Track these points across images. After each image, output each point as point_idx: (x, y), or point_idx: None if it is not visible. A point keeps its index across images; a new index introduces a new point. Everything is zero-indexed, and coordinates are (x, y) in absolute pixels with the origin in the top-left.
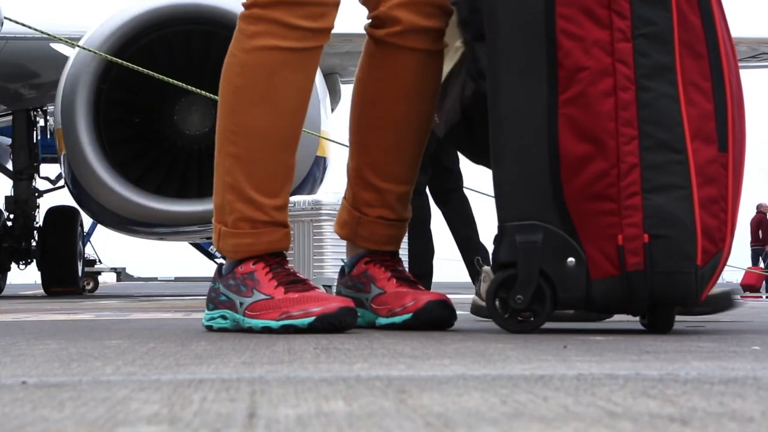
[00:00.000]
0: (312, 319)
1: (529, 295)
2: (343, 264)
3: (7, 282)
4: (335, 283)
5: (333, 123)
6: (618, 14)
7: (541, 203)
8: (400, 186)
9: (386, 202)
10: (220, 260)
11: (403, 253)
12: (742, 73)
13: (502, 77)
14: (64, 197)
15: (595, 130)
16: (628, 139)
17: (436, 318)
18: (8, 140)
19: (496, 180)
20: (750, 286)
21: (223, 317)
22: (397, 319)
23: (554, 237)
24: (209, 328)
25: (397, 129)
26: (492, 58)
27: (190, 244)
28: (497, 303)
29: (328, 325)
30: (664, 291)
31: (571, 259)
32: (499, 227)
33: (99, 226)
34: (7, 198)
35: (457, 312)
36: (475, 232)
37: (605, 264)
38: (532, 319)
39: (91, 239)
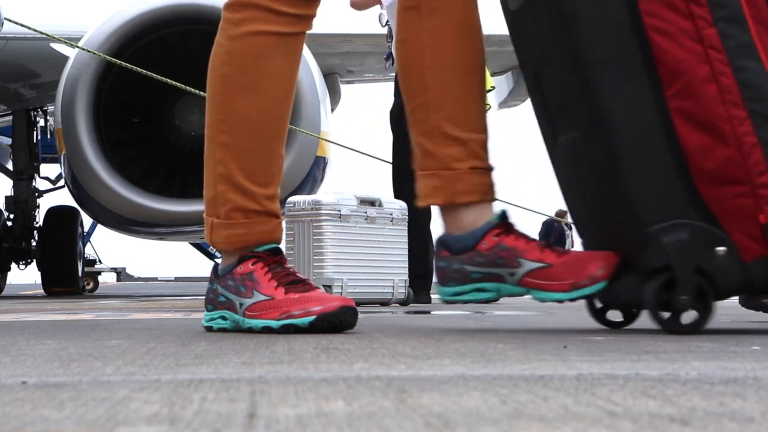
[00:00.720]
0: (312, 318)
1: (692, 294)
2: (445, 239)
3: (7, 282)
4: (335, 282)
5: (333, 123)
6: (695, 3)
7: (676, 201)
8: (481, 134)
9: (473, 152)
10: (220, 260)
11: (404, 253)
12: None
13: (600, 89)
14: (64, 197)
15: (709, 118)
16: (741, 121)
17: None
18: (8, 140)
19: (621, 189)
20: None
21: (223, 318)
22: (588, 290)
23: (700, 231)
24: (209, 329)
25: (464, 71)
26: (581, 69)
27: (190, 244)
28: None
29: (329, 324)
30: None
31: (721, 249)
32: (640, 234)
33: (99, 226)
34: (7, 198)
35: (456, 312)
36: None
37: (753, 245)
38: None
39: (91, 239)
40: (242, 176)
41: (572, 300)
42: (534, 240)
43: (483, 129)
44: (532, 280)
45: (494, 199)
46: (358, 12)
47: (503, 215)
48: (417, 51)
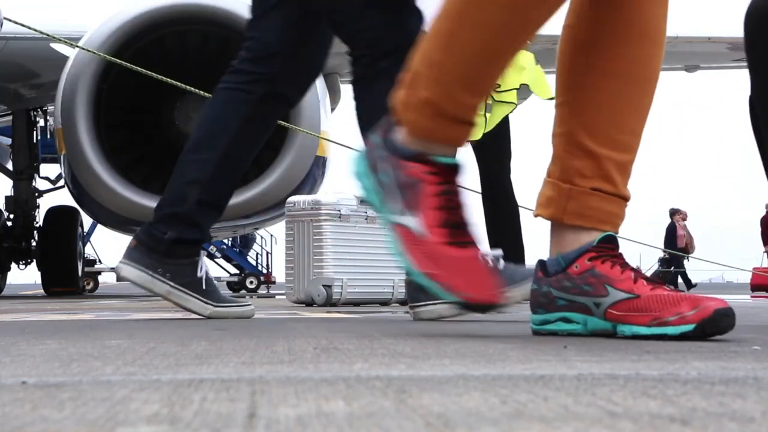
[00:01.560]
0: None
1: None
2: (545, 261)
3: (7, 282)
4: (335, 282)
5: (333, 123)
6: None
7: None
8: (621, 154)
9: (603, 172)
10: (221, 260)
11: None
12: (727, 73)
13: None
14: (64, 197)
15: None
16: None
17: (724, 329)
18: (8, 140)
19: None
20: (763, 286)
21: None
22: (672, 330)
23: None
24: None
25: (615, 79)
26: None
27: None
28: None
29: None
30: None
31: None
32: None
33: (99, 226)
34: (7, 198)
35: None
36: (504, 238)
37: None
38: None
39: (91, 239)
40: (457, 84)
41: (651, 335)
42: (632, 269)
43: (626, 148)
44: (616, 312)
45: (609, 232)
46: None
47: (605, 239)
48: (571, 42)
